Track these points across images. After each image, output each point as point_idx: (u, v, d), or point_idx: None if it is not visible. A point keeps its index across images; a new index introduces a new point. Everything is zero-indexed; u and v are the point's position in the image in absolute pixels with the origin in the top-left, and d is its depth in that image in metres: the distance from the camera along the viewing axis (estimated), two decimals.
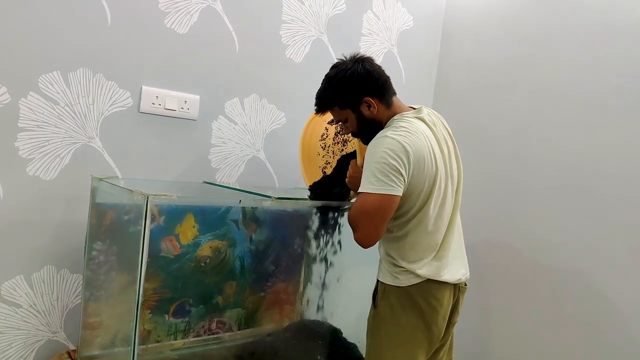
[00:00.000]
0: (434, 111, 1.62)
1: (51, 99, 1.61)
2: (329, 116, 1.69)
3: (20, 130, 1.56)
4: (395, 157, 1.40)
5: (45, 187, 1.62)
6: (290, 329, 1.83)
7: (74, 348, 1.70)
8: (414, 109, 1.58)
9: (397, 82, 2.37)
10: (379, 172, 1.40)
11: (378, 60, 2.33)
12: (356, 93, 1.51)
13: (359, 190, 1.46)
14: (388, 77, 1.56)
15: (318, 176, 1.82)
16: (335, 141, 1.83)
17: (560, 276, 2.10)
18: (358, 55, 1.55)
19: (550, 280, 2.14)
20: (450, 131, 1.62)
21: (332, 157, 1.83)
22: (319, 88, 1.57)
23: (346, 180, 1.64)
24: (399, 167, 1.40)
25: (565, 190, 2.11)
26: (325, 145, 1.85)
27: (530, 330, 2.20)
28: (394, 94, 1.57)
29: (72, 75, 1.63)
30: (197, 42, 1.87)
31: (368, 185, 1.42)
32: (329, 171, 1.82)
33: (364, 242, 1.46)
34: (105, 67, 1.69)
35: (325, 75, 1.56)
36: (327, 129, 1.85)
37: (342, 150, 1.81)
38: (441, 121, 1.61)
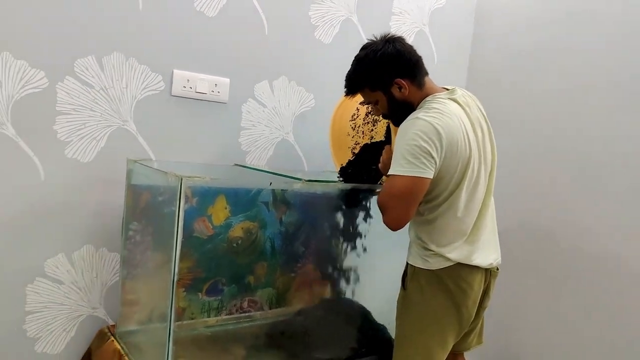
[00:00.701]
0: (468, 92, 1.58)
1: (87, 83, 1.65)
2: (360, 97, 1.68)
3: (58, 113, 1.61)
4: (427, 139, 1.37)
5: (83, 169, 1.67)
6: (320, 308, 1.86)
7: (113, 323, 1.77)
8: (447, 89, 1.54)
9: (429, 63, 2.34)
10: (409, 154, 1.38)
11: (409, 40, 2.31)
12: (387, 74, 1.48)
13: (388, 173, 1.44)
14: (420, 57, 1.52)
15: (347, 157, 1.82)
16: (365, 121, 1.82)
17: (595, 261, 2.07)
18: (389, 35, 1.51)
19: (584, 265, 2.11)
20: (484, 113, 1.58)
21: (361, 138, 1.82)
22: (348, 70, 1.55)
23: (379, 165, 1.63)
24: (430, 149, 1.37)
25: (600, 174, 2.06)
26: (355, 126, 1.84)
27: (562, 316, 2.18)
28: (426, 74, 1.53)
29: (106, 60, 1.67)
30: (226, 25, 1.88)
31: (398, 167, 1.40)
32: (357, 151, 1.82)
33: (393, 225, 1.45)
34: (138, 51, 1.72)
35: (355, 57, 1.54)
36: (358, 109, 1.84)
37: (372, 130, 1.80)
38: (475, 103, 1.57)
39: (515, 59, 2.42)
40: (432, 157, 1.38)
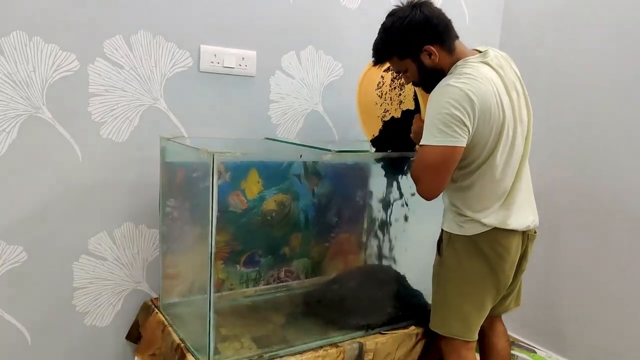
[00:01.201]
0: (502, 53, 1.53)
1: (117, 64, 1.67)
2: (383, 65, 1.66)
3: (91, 95, 1.64)
4: (459, 106, 1.34)
5: (119, 149, 1.71)
6: (355, 275, 1.88)
7: (156, 296, 1.83)
8: (480, 52, 1.49)
9: (460, 22, 2.27)
10: (441, 123, 1.35)
11: (438, 2, 2.25)
12: (415, 42, 1.44)
13: (420, 143, 1.43)
14: (449, 21, 1.47)
15: (378, 126, 1.80)
16: (392, 87, 1.79)
17: (637, 221, 2.01)
18: (416, 1, 1.46)
19: (623, 226, 2.06)
20: (519, 74, 1.53)
21: (389, 104, 1.80)
22: (375, 38, 1.52)
23: (411, 135, 1.61)
24: (462, 117, 1.34)
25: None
26: (382, 94, 1.82)
27: (601, 277, 2.14)
28: (456, 37, 1.49)
29: (133, 39, 1.68)
30: None
31: (430, 137, 1.38)
32: (387, 119, 1.80)
33: (427, 195, 1.44)
34: (164, 29, 1.73)
35: (382, 24, 1.50)
36: (382, 77, 1.81)
37: (400, 95, 1.77)
38: (509, 64, 1.52)
39: (552, 16, 2.31)
40: (465, 125, 1.35)
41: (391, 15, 1.49)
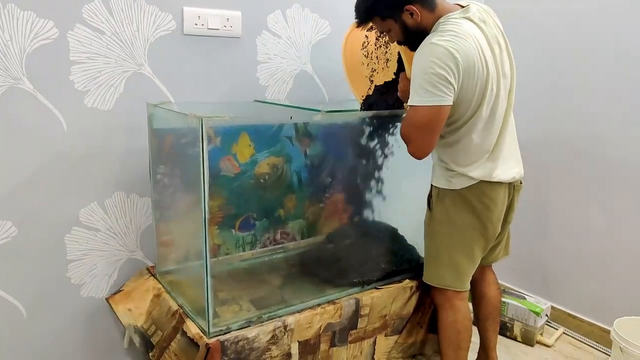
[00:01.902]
0: (483, 6, 1.52)
1: (97, 29, 1.62)
2: (367, 26, 1.63)
3: (72, 63, 1.60)
4: (444, 65, 1.35)
5: (105, 117, 1.68)
6: (349, 232, 1.89)
7: (152, 264, 1.84)
8: (462, 7, 1.49)
9: None
10: (427, 83, 1.36)
11: None
12: (396, 2, 1.44)
13: (408, 103, 1.44)
14: None
15: (366, 86, 1.79)
16: (377, 45, 1.78)
17: (617, 168, 2.05)
18: None
19: (607, 176, 2.10)
20: (501, 27, 1.54)
21: (376, 63, 1.79)
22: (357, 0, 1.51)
23: (398, 94, 1.61)
24: (447, 76, 1.35)
25: (625, 83, 1.99)
26: (368, 53, 1.80)
27: (586, 225, 2.19)
28: None
29: (113, 3, 1.63)
30: None
31: (417, 97, 1.39)
32: (376, 78, 1.78)
33: (418, 154, 1.46)
34: None
35: None
36: (367, 37, 1.79)
37: (386, 52, 1.75)
38: (492, 17, 1.52)
39: None
40: (450, 84, 1.37)
41: None
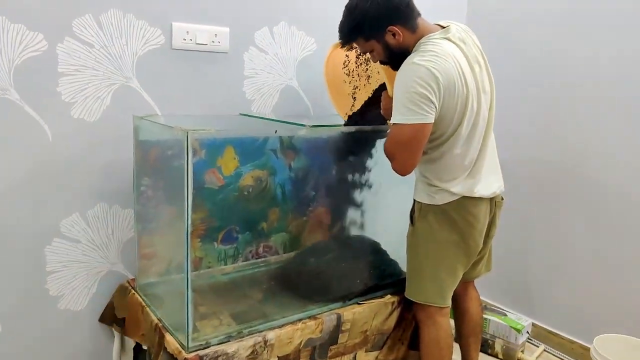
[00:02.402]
0: (463, 27, 1.57)
1: (87, 43, 1.64)
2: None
3: (60, 75, 1.61)
4: (425, 84, 1.39)
5: (90, 129, 1.68)
6: (332, 246, 1.90)
7: (133, 277, 1.83)
8: (442, 27, 1.53)
9: None
10: (409, 101, 1.40)
11: None
12: (379, 23, 1.48)
13: (391, 121, 1.47)
14: (409, 0, 1.50)
15: (349, 103, 1.83)
16: (358, 64, 1.82)
17: (602, 188, 2.09)
18: None
19: (587, 192, 2.14)
20: (480, 47, 1.58)
21: (358, 81, 1.83)
22: (340, 20, 1.54)
23: (381, 111, 1.65)
24: (429, 95, 1.39)
25: (602, 102, 2.05)
26: (349, 71, 1.84)
27: (568, 240, 2.23)
28: (418, 15, 1.53)
29: (103, 17, 1.65)
30: None
31: (399, 116, 1.43)
32: (358, 95, 1.82)
33: (402, 171, 1.49)
34: (134, 6, 1.69)
35: (345, 6, 1.54)
36: (347, 56, 1.83)
37: (367, 69, 1.79)
38: (471, 37, 1.57)
39: None
40: (432, 102, 1.41)
41: None
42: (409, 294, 1.71)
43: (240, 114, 1.95)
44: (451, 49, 1.46)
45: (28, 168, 1.61)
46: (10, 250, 1.62)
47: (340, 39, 1.57)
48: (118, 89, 1.72)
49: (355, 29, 1.51)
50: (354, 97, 1.83)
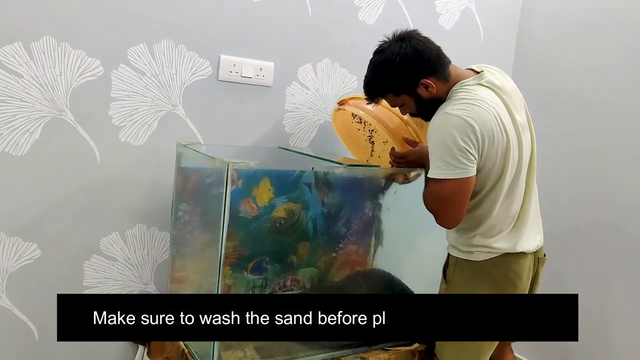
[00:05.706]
0: (496, 69, 1.50)
1: (139, 70, 1.72)
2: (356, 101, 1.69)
3: (112, 99, 1.70)
4: (463, 136, 1.31)
5: (136, 152, 1.76)
6: (360, 285, 1.88)
7: None
8: (476, 72, 1.45)
9: (475, 41, 2.30)
10: (447, 155, 1.32)
11: (454, 19, 2.28)
12: (411, 78, 1.41)
13: (428, 175, 1.40)
14: (439, 48, 1.44)
15: (368, 149, 1.85)
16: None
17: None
18: (402, 33, 1.44)
19: (632, 248, 2.06)
20: (517, 89, 1.51)
21: (372, 125, 1.80)
22: (366, 75, 1.49)
23: (410, 158, 1.61)
24: (467, 147, 1.32)
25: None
26: (361, 120, 1.83)
27: (606, 300, 2.15)
28: (449, 63, 1.46)
29: (156, 47, 1.73)
30: (271, 9, 1.91)
31: (438, 171, 1.35)
32: (376, 138, 1.82)
33: (448, 225, 1.43)
34: (186, 38, 1.78)
35: (371, 61, 1.47)
36: (354, 115, 1.83)
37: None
38: (507, 79, 1.49)
39: (565, 34, 2.33)
40: (471, 154, 1.33)
41: (380, 52, 1.45)
42: (441, 355, 1.58)
43: (279, 147, 2.00)
44: (486, 94, 1.38)
45: (76, 185, 1.69)
46: (54, 263, 1.70)
47: (366, 95, 1.51)
48: (165, 115, 1.79)
49: (385, 85, 1.45)
50: (372, 142, 1.84)
